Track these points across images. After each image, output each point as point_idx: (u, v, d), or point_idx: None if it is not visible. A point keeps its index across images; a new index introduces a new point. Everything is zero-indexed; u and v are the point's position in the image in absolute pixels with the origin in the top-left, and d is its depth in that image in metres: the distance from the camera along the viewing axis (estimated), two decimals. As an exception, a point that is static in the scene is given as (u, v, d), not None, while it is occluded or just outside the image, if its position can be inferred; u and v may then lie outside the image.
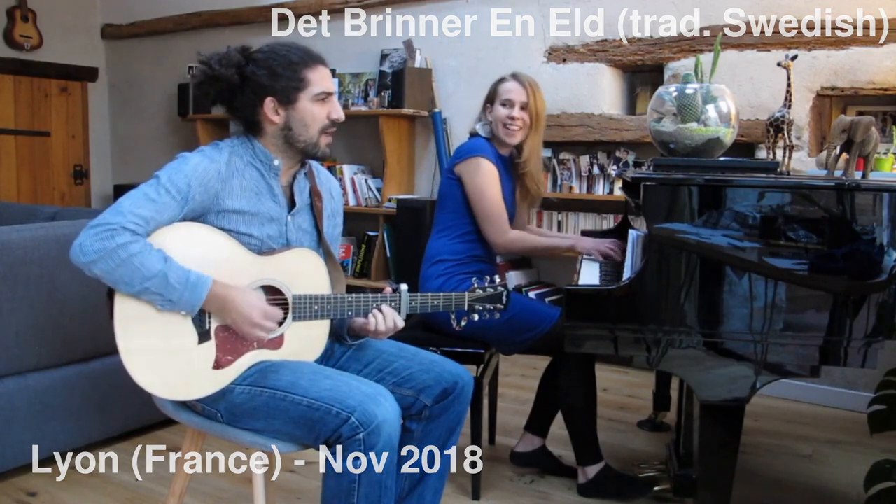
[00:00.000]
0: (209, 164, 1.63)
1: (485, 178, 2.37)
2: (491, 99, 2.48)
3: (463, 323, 1.81)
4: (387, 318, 1.73)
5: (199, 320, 1.62)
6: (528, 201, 2.59)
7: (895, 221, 1.68)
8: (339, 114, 1.75)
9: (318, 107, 1.71)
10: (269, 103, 1.68)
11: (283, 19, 4.96)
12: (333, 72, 4.48)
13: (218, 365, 1.63)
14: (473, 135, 2.52)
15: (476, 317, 1.81)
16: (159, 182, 1.58)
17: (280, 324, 1.69)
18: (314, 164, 1.88)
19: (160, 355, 1.59)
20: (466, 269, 2.38)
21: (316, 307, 1.69)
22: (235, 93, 1.69)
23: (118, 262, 1.50)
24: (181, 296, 1.54)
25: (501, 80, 2.49)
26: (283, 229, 1.74)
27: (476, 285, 1.82)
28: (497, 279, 1.84)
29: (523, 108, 2.43)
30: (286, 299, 1.69)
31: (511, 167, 2.53)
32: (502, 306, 1.82)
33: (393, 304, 1.75)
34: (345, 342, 1.86)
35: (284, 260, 1.71)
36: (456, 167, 2.43)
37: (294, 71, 1.68)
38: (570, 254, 2.49)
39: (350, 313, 1.73)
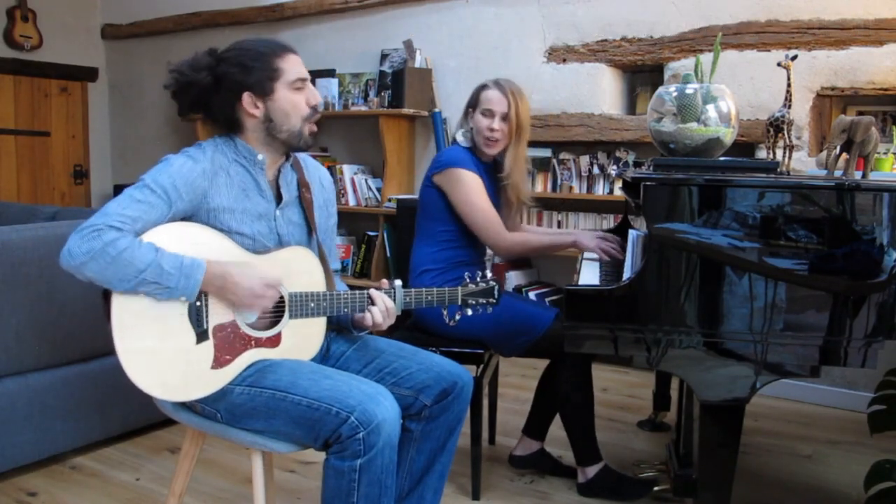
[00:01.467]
0: (193, 164, 1.64)
1: (469, 188, 2.33)
2: (473, 105, 2.43)
3: (457, 317, 1.82)
4: (378, 304, 1.73)
5: (197, 319, 1.61)
6: (511, 209, 2.50)
7: (895, 221, 1.68)
8: (317, 98, 1.75)
9: (296, 95, 1.71)
10: (246, 98, 1.68)
11: (282, 19, 4.97)
12: (333, 72, 4.53)
13: (216, 364, 1.63)
14: (455, 143, 2.46)
15: (469, 311, 1.82)
16: (144, 184, 1.59)
17: (277, 322, 1.69)
18: (300, 155, 1.88)
19: (158, 356, 1.58)
20: (453, 275, 2.36)
21: (312, 304, 1.70)
22: (211, 94, 1.69)
23: (109, 260, 1.49)
24: (178, 281, 1.54)
25: (483, 87, 2.42)
26: (273, 224, 1.74)
27: (468, 280, 1.83)
28: (489, 274, 1.85)
29: (504, 118, 2.36)
30: (282, 297, 1.69)
31: (495, 173, 2.47)
32: (494, 300, 1.84)
33: (390, 299, 1.76)
34: (350, 334, 1.87)
35: (280, 258, 1.71)
36: (434, 177, 2.38)
37: (264, 62, 1.68)
38: (573, 249, 2.47)
39: (346, 310, 1.74)
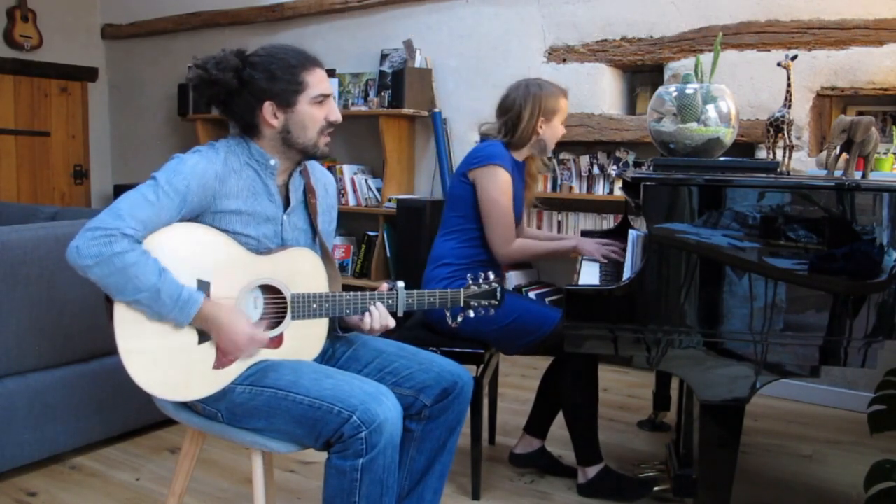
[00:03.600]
0: (207, 166, 1.63)
1: (499, 188, 2.34)
2: (548, 113, 2.41)
3: (459, 319, 1.82)
4: (381, 316, 1.75)
5: None
6: (531, 199, 2.61)
7: (895, 221, 1.68)
8: (337, 116, 1.75)
9: (316, 109, 1.71)
10: (267, 107, 1.68)
11: (282, 19, 4.97)
12: (333, 72, 4.53)
13: (218, 365, 1.63)
14: (484, 137, 2.49)
15: (472, 313, 1.82)
16: (157, 184, 1.57)
17: (279, 323, 1.69)
18: (309, 162, 1.88)
19: (160, 355, 1.59)
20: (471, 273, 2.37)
21: (314, 306, 1.70)
22: (233, 96, 1.69)
23: (113, 270, 1.49)
24: (170, 311, 1.55)
25: (563, 95, 2.46)
26: (279, 229, 1.74)
27: (471, 282, 1.82)
28: (491, 275, 1.84)
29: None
30: (285, 299, 1.69)
31: (524, 170, 2.54)
32: (496, 302, 1.83)
33: (390, 301, 1.76)
34: (335, 333, 1.86)
35: (283, 259, 1.71)
36: (471, 172, 2.38)
37: (292, 74, 1.68)
38: (573, 255, 2.48)
39: (349, 311, 1.74)
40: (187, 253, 1.60)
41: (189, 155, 1.65)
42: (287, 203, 1.78)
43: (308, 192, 1.82)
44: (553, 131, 2.44)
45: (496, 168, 2.34)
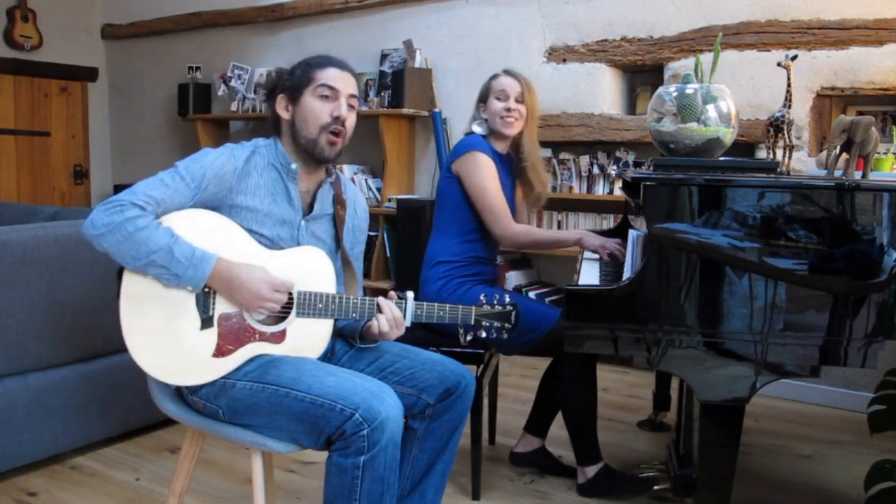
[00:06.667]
0: (227, 159, 1.69)
1: (483, 172, 2.37)
2: (484, 97, 2.49)
3: (469, 338, 1.81)
4: (385, 312, 1.72)
5: (204, 305, 1.63)
6: (530, 200, 2.57)
7: (895, 221, 1.68)
8: (339, 111, 1.73)
9: (320, 103, 1.73)
10: (280, 100, 1.77)
11: (282, 19, 4.97)
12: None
13: (218, 353, 1.64)
14: (469, 133, 2.50)
15: (483, 334, 1.81)
16: (176, 170, 1.64)
17: (283, 318, 1.70)
18: (343, 177, 1.91)
19: (161, 336, 1.60)
20: (466, 272, 2.37)
21: (320, 305, 1.70)
22: (269, 94, 1.80)
23: (125, 236, 1.53)
24: (185, 270, 1.57)
25: (494, 77, 2.50)
26: (295, 233, 1.76)
27: (484, 301, 1.82)
28: (506, 297, 1.84)
29: (518, 100, 2.43)
30: (291, 295, 1.69)
31: (510, 165, 2.52)
32: (510, 325, 1.82)
33: (399, 308, 1.75)
34: (353, 343, 1.85)
35: (292, 256, 1.72)
36: (453, 165, 2.42)
37: (305, 69, 1.75)
38: (576, 247, 2.48)
39: (355, 315, 1.73)
40: (199, 236, 1.62)
41: (215, 149, 1.72)
42: (310, 210, 1.79)
43: (337, 203, 1.84)
44: (491, 107, 2.45)
45: (475, 154, 2.38)
